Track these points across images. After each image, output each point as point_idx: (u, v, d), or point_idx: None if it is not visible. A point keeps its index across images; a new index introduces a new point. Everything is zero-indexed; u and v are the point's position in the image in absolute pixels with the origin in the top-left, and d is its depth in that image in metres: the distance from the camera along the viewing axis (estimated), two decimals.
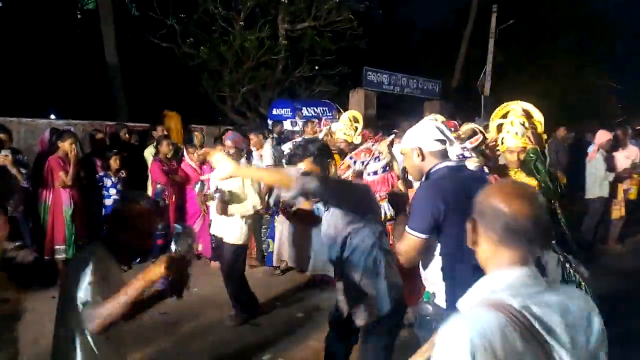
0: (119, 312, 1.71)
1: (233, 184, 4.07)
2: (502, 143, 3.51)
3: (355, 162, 4.35)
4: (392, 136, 4.86)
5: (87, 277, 1.79)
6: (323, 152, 2.64)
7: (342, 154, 4.94)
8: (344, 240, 2.54)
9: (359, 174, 4.34)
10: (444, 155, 2.28)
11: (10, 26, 14.40)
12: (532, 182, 3.38)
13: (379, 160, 4.33)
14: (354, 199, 2.47)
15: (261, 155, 6.14)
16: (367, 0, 14.13)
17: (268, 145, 6.19)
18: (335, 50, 13.58)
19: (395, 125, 10.42)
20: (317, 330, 3.99)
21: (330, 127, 5.52)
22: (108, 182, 5.98)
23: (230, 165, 2.13)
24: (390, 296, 2.53)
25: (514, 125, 3.36)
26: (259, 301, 4.64)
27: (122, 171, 6.05)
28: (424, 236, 2.08)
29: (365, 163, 4.30)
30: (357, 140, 4.96)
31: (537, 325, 1.09)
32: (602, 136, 6.96)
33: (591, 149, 7.07)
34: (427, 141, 2.26)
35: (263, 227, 6.04)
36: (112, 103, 12.67)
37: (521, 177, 3.48)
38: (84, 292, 1.77)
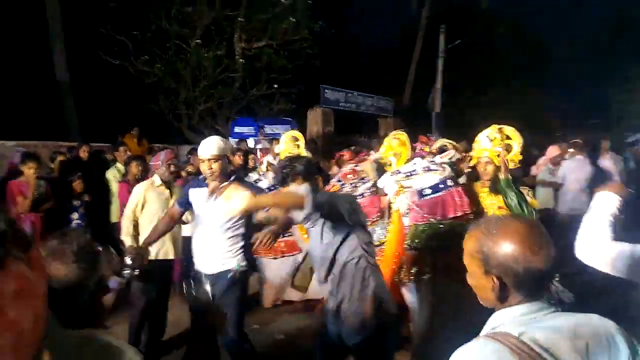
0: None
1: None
2: (473, 154, 3.66)
3: (343, 184, 4.37)
4: (375, 155, 4.93)
5: None
6: (310, 169, 2.69)
7: None
8: (332, 256, 2.56)
9: None
10: None
11: None
12: (498, 200, 3.51)
13: (366, 181, 4.37)
14: (349, 210, 2.48)
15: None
16: (321, 19, 14.38)
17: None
18: (291, 69, 13.71)
19: (353, 142, 10.65)
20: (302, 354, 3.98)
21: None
22: (70, 206, 5.72)
23: (248, 197, 2.07)
24: (380, 312, 2.56)
25: (484, 138, 3.56)
26: None
27: (85, 195, 5.80)
28: None
29: (353, 185, 4.32)
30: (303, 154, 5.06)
31: (537, 350, 1.08)
32: (552, 151, 7.39)
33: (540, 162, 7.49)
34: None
35: None
36: (62, 122, 12.14)
37: (485, 193, 3.60)
38: None
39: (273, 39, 13.29)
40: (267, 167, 5.55)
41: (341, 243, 2.53)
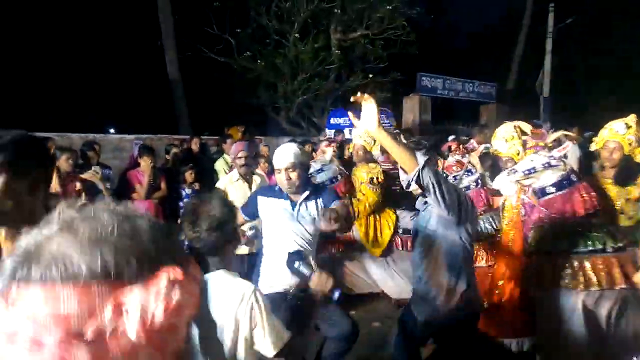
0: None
1: None
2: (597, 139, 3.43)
3: (447, 177, 4.16)
4: (484, 147, 4.67)
5: None
6: (434, 149, 2.68)
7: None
8: (430, 242, 2.52)
9: None
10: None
11: (72, 43, 15.21)
12: (627, 191, 3.24)
13: (472, 173, 4.15)
14: (459, 200, 2.36)
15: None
16: (418, 6, 14.02)
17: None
18: (386, 57, 13.56)
19: (454, 131, 10.27)
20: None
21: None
22: (182, 194, 6.19)
23: (376, 122, 2.00)
24: (464, 309, 2.50)
25: (620, 124, 3.33)
26: None
27: (196, 184, 6.24)
28: None
29: (458, 177, 4.11)
30: (375, 150, 4.78)
31: None
32: None
33: None
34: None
35: None
36: (173, 116, 13.16)
37: (609, 185, 3.35)
38: None
39: (369, 29, 13.23)
40: (331, 158, 5.13)
41: (442, 231, 2.48)
